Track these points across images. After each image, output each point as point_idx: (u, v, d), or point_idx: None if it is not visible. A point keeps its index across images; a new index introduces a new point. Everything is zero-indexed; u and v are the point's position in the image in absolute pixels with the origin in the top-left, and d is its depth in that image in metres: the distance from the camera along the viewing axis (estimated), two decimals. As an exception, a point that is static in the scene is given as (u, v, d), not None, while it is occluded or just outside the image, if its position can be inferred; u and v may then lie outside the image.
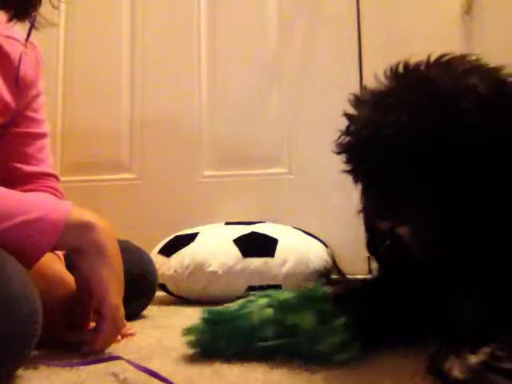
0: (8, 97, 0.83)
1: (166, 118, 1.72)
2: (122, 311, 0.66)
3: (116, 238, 0.68)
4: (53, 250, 0.65)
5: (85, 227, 0.64)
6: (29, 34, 0.81)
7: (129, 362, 0.56)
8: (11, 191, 0.65)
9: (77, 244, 0.64)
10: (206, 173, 1.69)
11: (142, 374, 0.53)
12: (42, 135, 0.92)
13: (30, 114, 0.89)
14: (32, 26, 0.78)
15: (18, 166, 0.87)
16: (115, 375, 0.55)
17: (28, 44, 0.89)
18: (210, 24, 1.74)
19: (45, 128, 0.93)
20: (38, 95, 0.92)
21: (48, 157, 0.92)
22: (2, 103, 0.82)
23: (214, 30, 1.73)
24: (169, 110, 1.72)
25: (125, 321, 0.69)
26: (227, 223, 1.38)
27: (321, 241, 1.34)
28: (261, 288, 1.18)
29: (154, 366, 0.55)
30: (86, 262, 0.65)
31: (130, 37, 1.77)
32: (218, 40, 1.72)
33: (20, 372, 0.54)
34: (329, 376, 0.54)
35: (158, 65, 1.75)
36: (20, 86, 0.85)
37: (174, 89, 1.72)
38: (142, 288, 0.97)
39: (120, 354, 0.59)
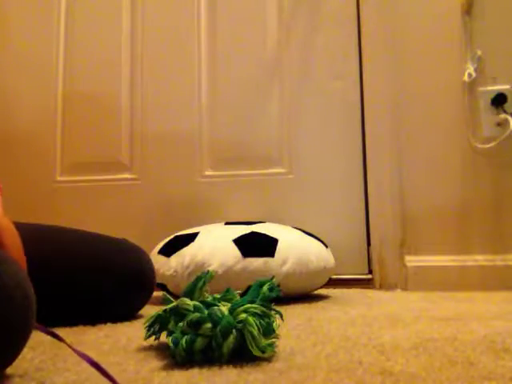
0: None
1: (166, 117, 1.72)
2: None
3: (15, 234, 0.63)
4: None
5: None
6: None
7: (74, 350, 0.52)
8: None
9: None
10: (206, 173, 1.69)
11: (144, 372, 0.53)
12: None
13: None
14: None
15: None
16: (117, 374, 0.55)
17: None
18: (209, 24, 1.74)
19: None
20: None
21: None
22: None
23: (214, 29, 1.73)
24: (169, 110, 1.73)
25: None
26: (227, 223, 1.38)
27: (321, 241, 1.34)
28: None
29: (152, 366, 0.55)
30: None
31: (129, 36, 1.77)
32: (218, 39, 1.72)
33: (20, 372, 0.54)
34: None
35: (158, 65, 1.75)
36: None
37: (174, 89, 1.72)
38: (139, 285, 0.97)
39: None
